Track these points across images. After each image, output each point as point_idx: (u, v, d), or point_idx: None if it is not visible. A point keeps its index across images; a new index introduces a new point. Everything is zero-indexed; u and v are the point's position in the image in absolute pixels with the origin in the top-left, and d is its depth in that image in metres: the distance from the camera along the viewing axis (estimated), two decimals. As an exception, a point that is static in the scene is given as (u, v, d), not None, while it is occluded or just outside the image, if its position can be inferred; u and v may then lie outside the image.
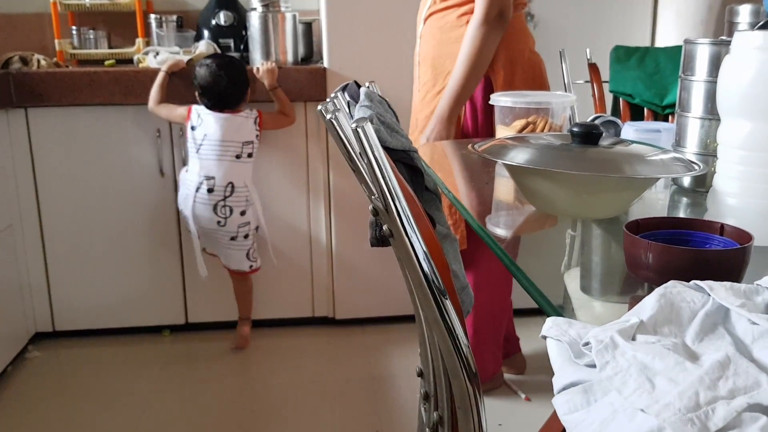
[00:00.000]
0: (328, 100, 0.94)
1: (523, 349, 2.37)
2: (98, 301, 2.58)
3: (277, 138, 2.50)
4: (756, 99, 0.87)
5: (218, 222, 2.35)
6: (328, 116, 0.78)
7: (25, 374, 2.39)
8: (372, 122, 0.94)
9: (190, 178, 2.35)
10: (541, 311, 1.02)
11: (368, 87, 1.14)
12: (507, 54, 1.86)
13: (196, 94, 2.33)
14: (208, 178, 2.32)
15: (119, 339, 2.63)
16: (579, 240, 1.16)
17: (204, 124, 2.31)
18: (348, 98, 1.04)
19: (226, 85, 2.29)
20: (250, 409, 2.19)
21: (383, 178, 0.72)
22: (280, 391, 2.28)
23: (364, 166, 0.77)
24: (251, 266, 2.48)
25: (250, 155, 2.36)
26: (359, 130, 0.70)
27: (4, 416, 2.15)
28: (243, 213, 2.37)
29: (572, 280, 1.04)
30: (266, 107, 2.42)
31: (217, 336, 2.61)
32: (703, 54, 1.14)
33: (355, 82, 1.08)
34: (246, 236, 2.42)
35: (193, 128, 2.33)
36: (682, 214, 1.16)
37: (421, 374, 1.03)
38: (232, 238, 2.39)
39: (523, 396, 2.19)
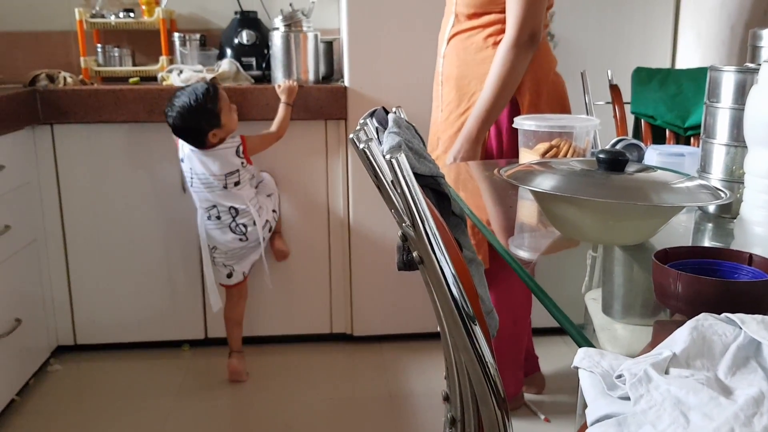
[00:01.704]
0: (358, 127, 0.95)
1: (543, 368, 2.36)
2: (120, 315, 2.61)
3: (297, 156, 2.52)
4: (783, 129, 0.87)
5: (240, 239, 2.36)
6: (361, 146, 0.79)
7: (46, 387, 2.41)
8: (401, 148, 0.96)
9: (199, 209, 2.38)
10: (561, 330, 1.02)
11: (395, 113, 1.16)
12: (533, 76, 1.86)
13: None
14: (210, 207, 2.33)
15: (140, 353, 2.64)
16: (600, 261, 1.16)
17: (187, 159, 2.30)
18: (376, 124, 1.05)
19: (186, 130, 2.23)
20: (268, 425, 2.20)
21: (416, 207, 0.74)
22: (298, 408, 2.29)
23: (396, 195, 0.78)
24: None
25: (236, 183, 2.31)
26: (393, 160, 0.72)
27: (26, 428, 2.17)
28: (254, 223, 2.37)
29: (593, 301, 1.04)
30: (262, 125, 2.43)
31: (236, 352, 2.62)
32: (728, 81, 1.15)
33: (383, 108, 1.09)
34: (271, 230, 2.47)
35: (182, 161, 2.33)
36: (707, 241, 1.16)
37: (447, 398, 1.04)
38: (260, 242, 2.40)
39: (542, 417, 2.18)
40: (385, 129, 1.03)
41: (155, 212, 2.54)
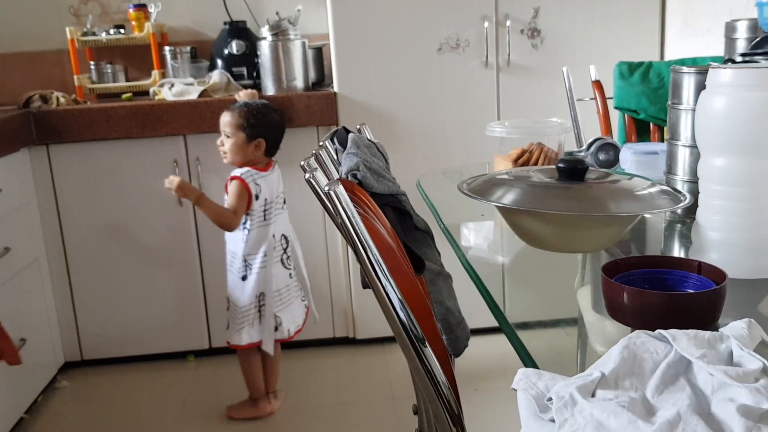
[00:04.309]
0: (313, 151, 0.97)
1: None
2: (124, 329, 2.64)
3: (292, 163, 2.54)
4: (728, 135, 0.88)
5: (290, 275, 2.27)
6: (307, 176, 0.81)
7: (55, 403, 2.45)
8: (359, 170, 0.97)
9: (264, 250, 2.18)
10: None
11: (359, 129, 1.18)
12: None
13: (253, 145, 2.16)
14: (283, 237, 2.25)
15: (146, 366, 2.68)
16: (590, 258, 1.17)
17: (262, 188, 2.18)
18: (337, 145, 1.07)
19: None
20: (275, 430, 2.23)
21: (357, 236, 0.75)
22: (303, 412, 2.32)
23: (339, 223, 0.79)
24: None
25: (284, 201, 2.31)
26: (331, 193, 0.73)
27: (35, 446, 2.22)
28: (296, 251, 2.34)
29: (585, 298, 1.05)
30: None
31: (241, 359, 2.65)
32: (689, 82, 1.15)
33: (344, 128, 1.11)
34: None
35: (256, 198, 2.16)
36: (676, 242, 1.17)
37: (416, 411, 1.06)
38: (303, 282, 2.35)
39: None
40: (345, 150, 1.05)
41: (154, 225, 2.57)
